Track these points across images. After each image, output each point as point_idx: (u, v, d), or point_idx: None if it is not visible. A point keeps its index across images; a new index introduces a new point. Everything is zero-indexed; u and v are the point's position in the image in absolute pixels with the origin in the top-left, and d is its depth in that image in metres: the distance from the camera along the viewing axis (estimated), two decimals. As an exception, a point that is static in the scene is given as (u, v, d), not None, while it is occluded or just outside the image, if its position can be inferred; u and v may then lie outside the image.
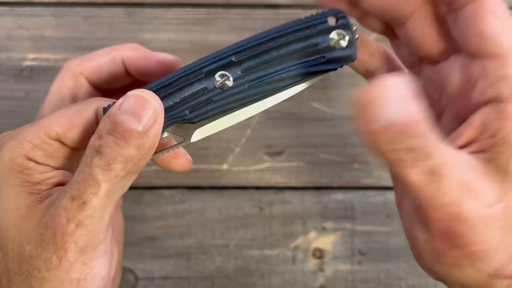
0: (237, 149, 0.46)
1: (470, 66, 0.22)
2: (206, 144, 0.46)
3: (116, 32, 0.46)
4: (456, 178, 0.20)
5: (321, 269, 0.46)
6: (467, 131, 0.22)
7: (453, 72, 0.23)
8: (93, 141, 0.24)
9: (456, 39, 0.22)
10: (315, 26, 0.24)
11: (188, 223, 0.46)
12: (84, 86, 0.31)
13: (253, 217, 0.46)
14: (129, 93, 0.24)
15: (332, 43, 0.24)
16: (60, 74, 0.31)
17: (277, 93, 0.25)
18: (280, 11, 0.46)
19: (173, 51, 0.46)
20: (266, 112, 0.46)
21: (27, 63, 0.46)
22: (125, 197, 0.45)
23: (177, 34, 0.46)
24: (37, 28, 0.46)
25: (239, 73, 0.25)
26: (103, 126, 0.24)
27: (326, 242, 0.46)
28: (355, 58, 0.24)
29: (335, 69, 0.24)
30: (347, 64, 0.25)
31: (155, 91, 0.24)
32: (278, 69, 0.24)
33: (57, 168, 0.27)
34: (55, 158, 0.26)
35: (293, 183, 0.46)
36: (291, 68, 0.24)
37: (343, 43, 0.24)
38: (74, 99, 0.31)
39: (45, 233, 0.24)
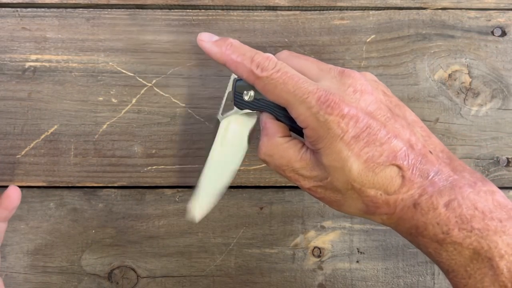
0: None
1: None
2: (207, 144, 0.46)
3: (117, 33, 0.46)
4: (291, 169, 0.36)
5: (320, 267, 0.46)
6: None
7: None
8: None
9: None
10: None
11: (189, 222, 0.46)
12: None
13: (253, 216, 0.46)
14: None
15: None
16: None
17: None
18: (280, 12, 0.47)
19: (174, 52, 0.46)
20: (266, 112, 0.46)
21: (30, 64, 0.46)
22: (126, 196, 0.46)
23: (178, 35, 0.46)
24: (40, 29, 0.46)
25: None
26: None
27: (325, 240, 0.46)
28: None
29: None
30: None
31: None
32: None
33: None
34: None
35: (292, 182, 0.46)
36: None
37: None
38: None
39: None
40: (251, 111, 0.38)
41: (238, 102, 0.38)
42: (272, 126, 0.37)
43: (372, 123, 0.33)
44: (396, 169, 0.33)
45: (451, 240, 0.31)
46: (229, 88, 0.38)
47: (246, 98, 0.37)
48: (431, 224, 0.32)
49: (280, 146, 0.36)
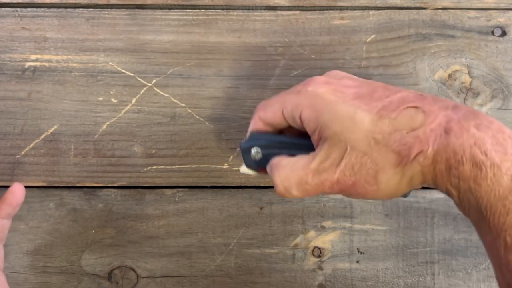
0: (238, 149, 0.46)
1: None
2: (207, 144, 0.46)
3: (117, 33, 0.46)
4: (311, 174, 0.33)
5: (320, 267, 0.46)
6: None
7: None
8: None
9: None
10: None
11: (189, 222, 0.46)
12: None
13: (253, 216, 0.46)
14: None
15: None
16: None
17: None
18: (280, 12, 0.47)
19: (174, 52, 0.46)
20: (266, 112, 0.46)
21: (30, 64, 0.46)
22: (126, 196, 0.46)
23: (177, 35, 0.46)
24: (40, 29, 0.46)
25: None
26: None
27: (325, 240, 0.46)
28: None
29: None
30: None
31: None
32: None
33: None
34: None
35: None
36: None
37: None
38: None
39: None
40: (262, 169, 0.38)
41: (249, 163, 0.38)
42: (275, 160, 0.36)
43: (366, 87, 0.33)
44: (413, 109, 0.31)
45: (491, 163, 0.29)
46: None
47: (256, 157, 0.37)
48: (468, 146, 0.30)
49: (288, 164, 0.35)
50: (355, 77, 0.36)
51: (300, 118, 0.35)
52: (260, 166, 0.38)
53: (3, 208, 0.41)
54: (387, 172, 0.31)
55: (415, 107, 0.31)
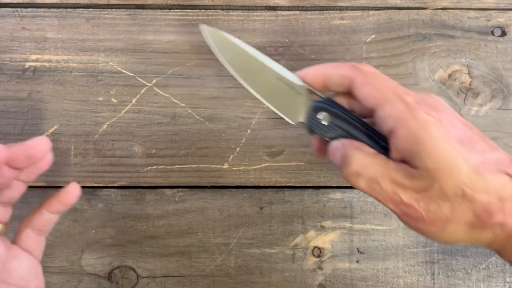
0: (237, 149, 0.46)
1: (375, 117, 0.34)
2: (207, 144, 0.46)
3: (117, 33, 0.46)
4: (388, 180, 0.32)
5: (320, 267, 0.46)
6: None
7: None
8: None
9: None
10: None
11: (189, 222, 0.46)
12: None
13: (253, 216, 0.46)
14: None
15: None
16: None
17: None
18: (280, 12, 0.47)
19: (174, 52, 0.46)
20: (266, 112, 0.46)
21: (30, 64, 0.46)
22: (126, 196, 0.46)
23: (178, 35, 0.46)
24: (40, 29, 0.46)
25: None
26: None
27: (325, 240, 0.46)
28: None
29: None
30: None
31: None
32: None
33: None
34: None
35: (292, 182, 0.46)
36: None
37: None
38: None
39: None
40: (323, 137, 0.36)
41: (313, 124, 0.36)
42: (357, 143, 0.34)
43: (469, 132, 0.32)
44: (506, 177, 0.31)
45: None
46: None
47: (323, 121, 0.36)
48: None
49: (372, 155, 0.33)
50: (456, 114, 0.34)
51: (391, 129, 0.33)
52: (319, 131, 0.36)
53: (54, 204, 0.40)
54: (457, 226, 0.31)
55: (509, 175, 0.31)
